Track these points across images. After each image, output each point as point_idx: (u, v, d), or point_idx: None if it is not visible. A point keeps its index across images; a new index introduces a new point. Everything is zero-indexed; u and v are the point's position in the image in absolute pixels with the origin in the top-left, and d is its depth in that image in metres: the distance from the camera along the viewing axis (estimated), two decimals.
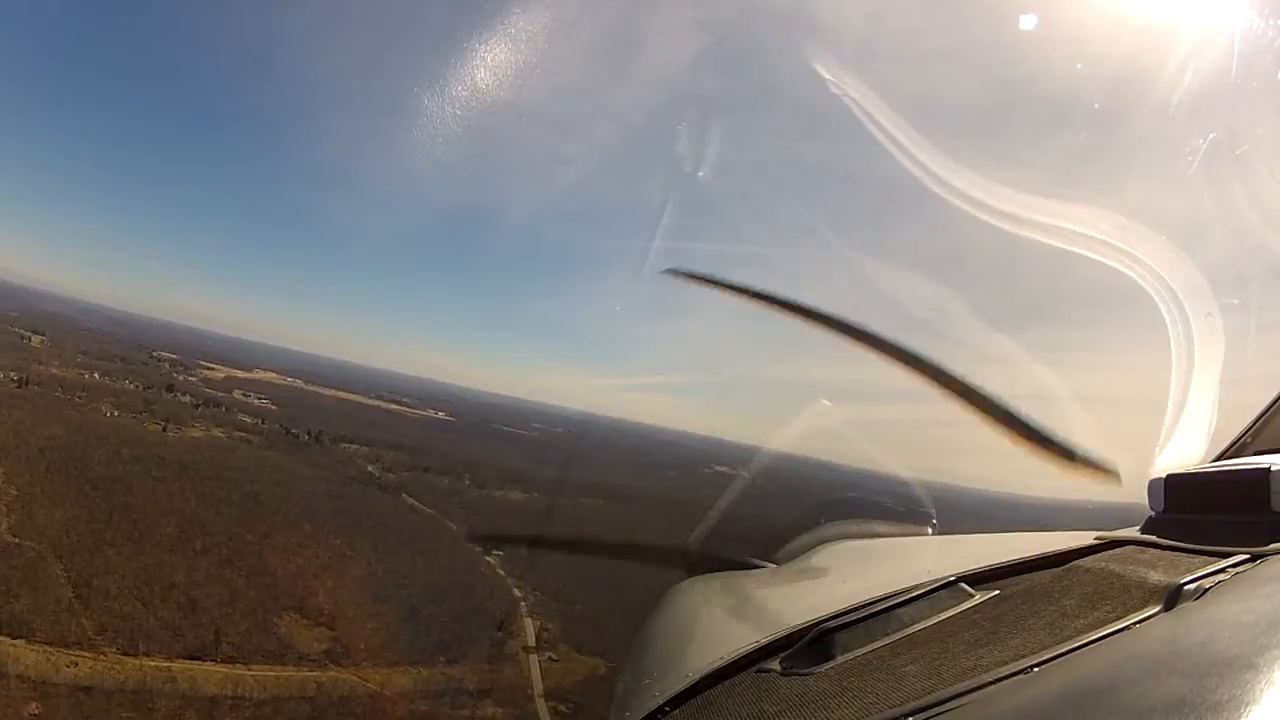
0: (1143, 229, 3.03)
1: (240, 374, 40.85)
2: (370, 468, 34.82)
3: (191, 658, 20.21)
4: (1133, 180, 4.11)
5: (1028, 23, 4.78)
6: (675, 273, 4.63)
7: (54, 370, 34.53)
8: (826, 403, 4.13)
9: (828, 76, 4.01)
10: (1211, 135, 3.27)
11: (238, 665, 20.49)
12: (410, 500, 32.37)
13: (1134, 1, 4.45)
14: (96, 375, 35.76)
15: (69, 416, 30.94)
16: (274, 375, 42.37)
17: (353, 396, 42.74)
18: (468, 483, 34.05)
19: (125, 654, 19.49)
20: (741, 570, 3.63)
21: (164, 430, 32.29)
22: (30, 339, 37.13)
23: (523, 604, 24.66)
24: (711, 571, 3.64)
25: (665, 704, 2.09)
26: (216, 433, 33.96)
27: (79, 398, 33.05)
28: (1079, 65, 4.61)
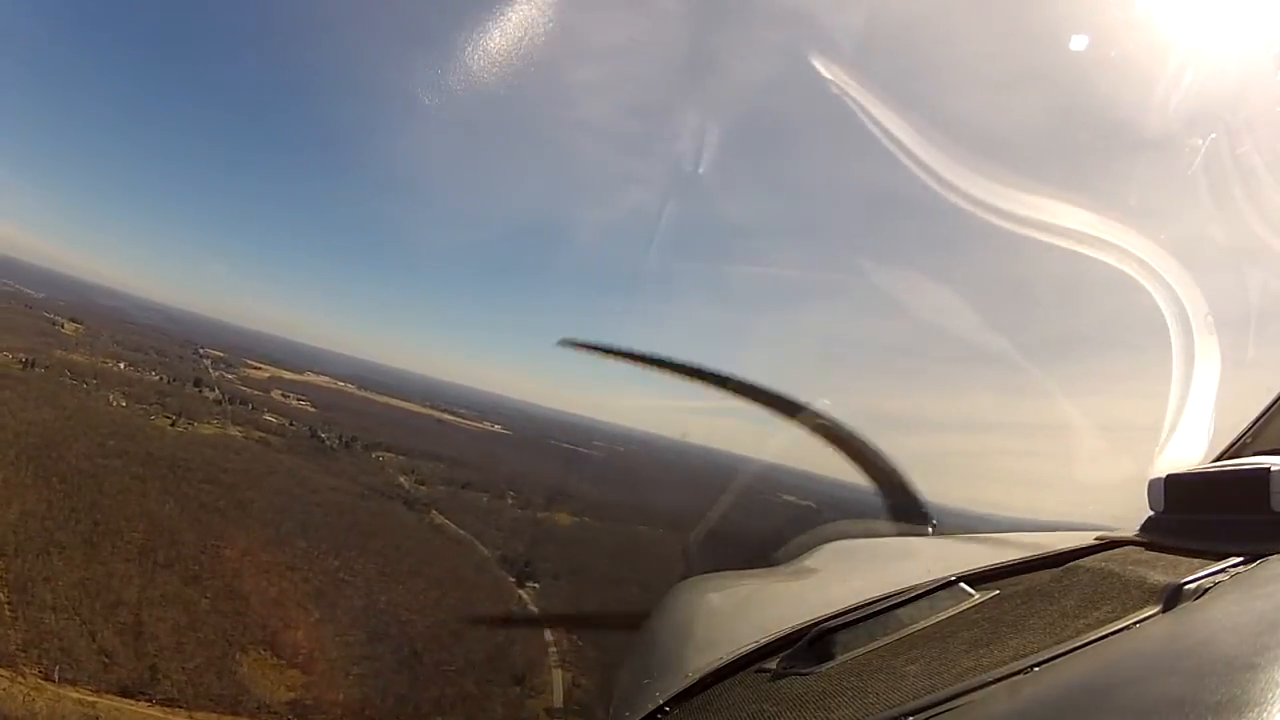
0: (1142, 229, 3.39)
1: (287, 375, 41.20)
2: (401, 479, 34.36)
3: (123, 693, 18.71)
4: (1133, 181, 4.54)
5: (1035, 34, 5.62)
6: (570, 343, 5.94)
7: (74, 356, 34.74)
8: (826, 401, 4.75)
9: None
10: (1212, 135, 3.63)
11: (177, 709, 18.83)
12: (440, 518, 31.56)
13: (1138, 8, 4.84)
14: (122, 365, 35.99)
15: (66, 402, 30.79)
16: (326, 379, 42.69)
17: (405, 404, 42.76)
18: (510, 501, 33.11)
19: (46, 678, 18.21)
20: (741, 570, 3.98)
21: (172, 425, 32.05)
22: (64, 325, 37.74)
23: (552, 651, 22.52)
24: (711, 571, 3.97)
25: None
26: (233, 431, 33.45)
27: (87, 384, 33.05)
28: (1085, 76, 5.13)
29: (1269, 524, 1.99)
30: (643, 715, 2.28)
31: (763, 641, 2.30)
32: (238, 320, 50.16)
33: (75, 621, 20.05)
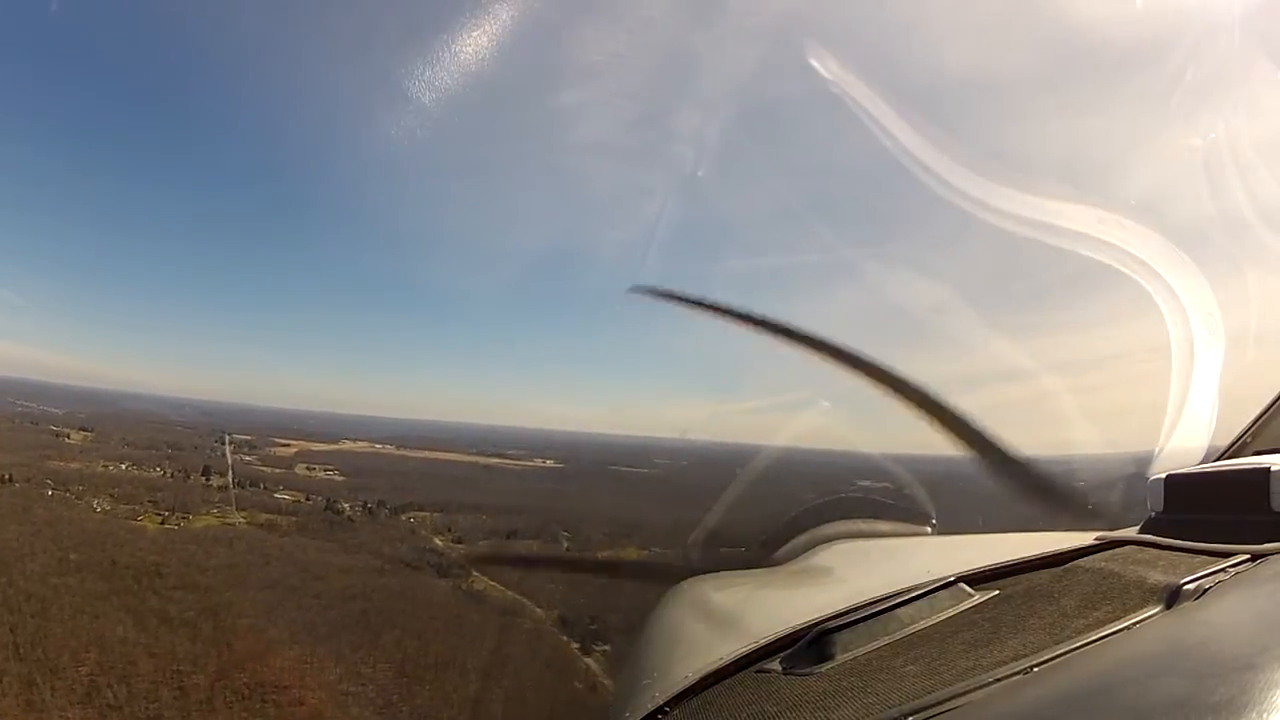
0: (1143, 228, 3.72)
1: (317, 447, 42.83)
2: (436, 540, 33.84)
3: None
4: (1133, 178, 4.94)
5: (1042, 28, 6.08)
6: (642, 290, 5.85)
7: (72, 465, 36.63)
8: (826, 403, 5.25)
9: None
10: (1212, 135, 4.03)
11: None
12: (482, 581, 29.49)
13: (1140, 5, 5.26)
14: (124, 466, 37.79)
15: (37, 515, 30.66)
16: (365, 444, 44.86)
17: (447, 456, 44.30)
18: (566, 545, 31.17)
19: None
20: (741, 570, 4.31)
21: (162, 522, 32.36)
22: (70, 436, 40.47)
23: None
24: (711, 571, 4.23)
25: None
26: (237, 518, 33.72)
27: (70, 492, 34.03)
28: (1078, 57, 5.65)
29: (1269, 523, 2.22)
30: (643, 715, 2.46)
31: (763, 641, 2.50)
32: (276, 403, 52.89)
33: None
